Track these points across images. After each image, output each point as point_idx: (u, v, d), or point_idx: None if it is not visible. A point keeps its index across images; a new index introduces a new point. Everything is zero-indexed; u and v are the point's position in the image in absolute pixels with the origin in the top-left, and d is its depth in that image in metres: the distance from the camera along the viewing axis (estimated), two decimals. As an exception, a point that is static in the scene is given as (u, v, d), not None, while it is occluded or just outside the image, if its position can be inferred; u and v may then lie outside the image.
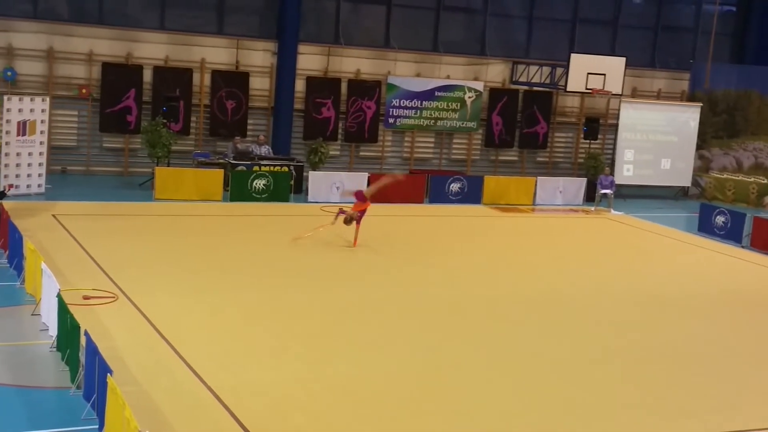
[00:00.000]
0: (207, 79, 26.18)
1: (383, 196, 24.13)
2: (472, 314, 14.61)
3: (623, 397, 11.45)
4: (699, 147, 29.78)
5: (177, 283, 14.93)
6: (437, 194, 25.21)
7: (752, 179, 29.64)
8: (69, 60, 24.82)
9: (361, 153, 28.40)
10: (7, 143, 21.04)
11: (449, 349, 12.77)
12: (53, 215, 19.17)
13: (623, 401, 11.33)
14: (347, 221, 18.29)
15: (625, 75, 27.92)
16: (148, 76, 25.45)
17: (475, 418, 10.47)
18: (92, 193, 22.47)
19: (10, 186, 19.88)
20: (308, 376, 11.27)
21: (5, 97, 21.06)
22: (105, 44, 25.06)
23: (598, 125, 29.15)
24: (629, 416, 10.87)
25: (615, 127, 29.65)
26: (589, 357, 12.95)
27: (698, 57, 31.39)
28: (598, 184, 26.23)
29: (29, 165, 21.57)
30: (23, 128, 21.41)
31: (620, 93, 28.17)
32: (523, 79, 29.04)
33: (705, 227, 23.56)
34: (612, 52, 29.95)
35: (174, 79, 25.56)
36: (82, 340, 10.27)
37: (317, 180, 23.91)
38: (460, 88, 28.91)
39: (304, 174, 24.64)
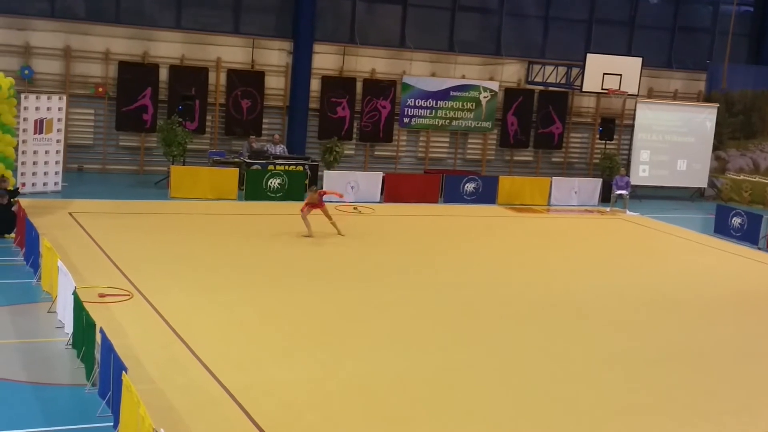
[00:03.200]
0: (223, 78, 26.26)
1: (398, 195, 24.28)
2: (484, 315, 14.59)
3: (636, 399, 11.41)
4: (715, 148, 29.64)
5: (192, 281, 14.98)
6: (452, 194, 25.19)
7: (769, 180, 29.50)
8: (86, 59, 24.94)
9: (376, 152, 28.41)
10: (24, 141, 21.15)
11: (461, 350, 12.77)
12: (69, 213, 19.27)
13: (636, 403, 11.29)
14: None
15: (641, 75, 27.82)
16: (164, 75, 25.55)
17: (487, 418, 10.46)
18: (108, 191, 22.57)
19: (23, 185, 20.02)
20: (321, 376, 11.29)
21: (22, 96, 21.17)
22: (121, 43, 25.18)
23: (613, 126, 29.06)
24: (642, 418, 10.83)
25: (631, 128, 29.56)
26: (602, 358, 12.91)
27: (715, 57, 31.25)
28: (614, 184, 26.15)
29: (46, 163, 21.69)
30: (40, 126, 21.53)
31: (636, 93, 28.08)
32: (538, 79, 28.99)
33: (721, 229, 23.44)
34: (628, 53, 29.85)
35: (190, 78, 25.65)
36: (98, 337, 10.34)
37: (332, 179, 23.92)
38: (476, 87, 28.88)
39: (319, 173, 24.66)
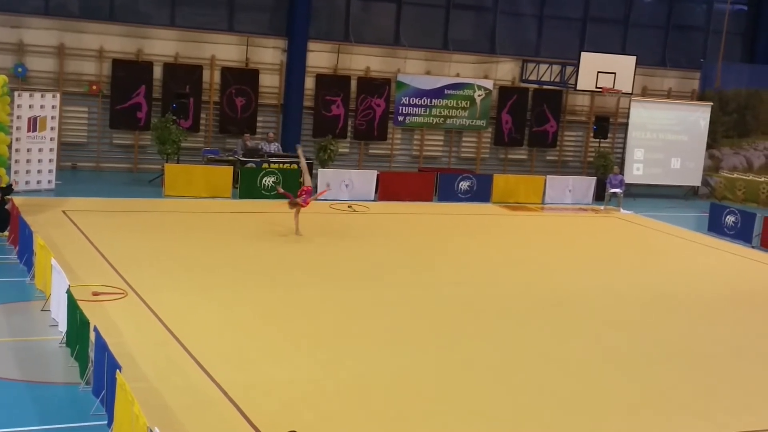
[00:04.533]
0: (217, 76, 26.21)
1: (393, 194, 24.27)
2: (482, 313, 14.59)
3: (632, 397, 11.42)
4: (709, 146, 29.68)
5: (186, 279, 14.96)
6: (446, 192, 25.18)
7: (763, 179, 29.52)
8: (80, 56, 24.87)
9: (371, 151, 28.39)
10: (17, 139, 21.09)
11: (460, 348, 12.76)
12: (63, 211, 19.22)
13: (632, 401, 11.30)
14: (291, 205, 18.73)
15: (635, 74, 27.83)
16: (158, 72, 25.49)
17: (486, 417, 10.46)
18: (102, 189, 22.53)
19: (16, 182, 19.95)
20: (319, 375, 11.27)
21: (16, 93, 21.10)
22: (115, 41, 25.12)
23: (608, 124, 29.08)
24: (639, 416, 10.84)
25: (625, 126, 29.57)
26: (599, 356, 12.93)
27: (709, 56, 31.29)
28: (608, 183, 26.17)
29: (39, 161, 21.63)
30: (34, 124, 21.47)
31: (630, 92, 28.09)
32: (533, 77, 28.99)
33: (715, 227, 23.48)
34: (622, 51, 29.87)
35: (184, 75, 25.60)
36: (92, 336, 10.30)
37: (326, 177, 23.91)
38: (470, 86, 28.87)
39: (314, 171, 24.62)
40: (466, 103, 28.89)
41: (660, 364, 12.77)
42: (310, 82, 27.03)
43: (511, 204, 25.41)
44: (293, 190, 22.60)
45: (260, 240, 18.38)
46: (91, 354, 10.22)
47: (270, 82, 26.87)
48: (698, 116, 29.36)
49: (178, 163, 23.70)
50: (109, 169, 25.40)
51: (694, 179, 29.59)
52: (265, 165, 23.61)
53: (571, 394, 11.35)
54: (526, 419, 10.52)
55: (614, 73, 27.29)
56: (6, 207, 16.81)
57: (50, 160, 21.89)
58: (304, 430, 9.59)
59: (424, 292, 15.48)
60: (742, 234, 22.61)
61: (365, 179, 24.45)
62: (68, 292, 11.37)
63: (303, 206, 18.67)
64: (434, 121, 28.74)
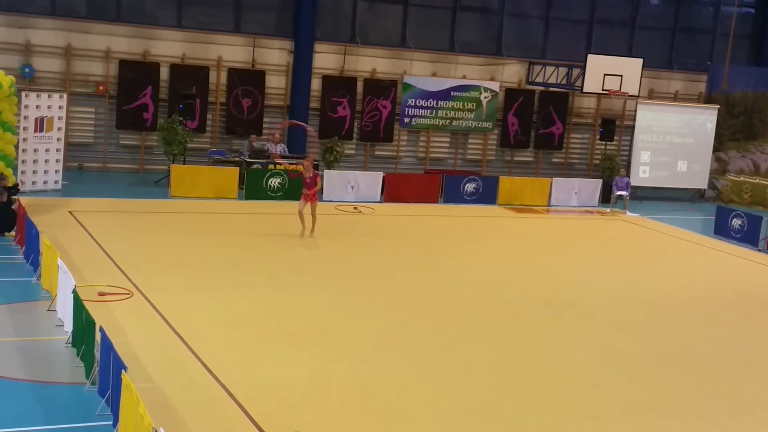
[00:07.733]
0: (223, 78, 26.25)
1: (398, 195, 24.27)
2: (485, 314, 14.60)
3: (634, 399, 11.42)
4: (716, 149, 29.63)
5: (192, 280, 14.98)
6: (452, 194, 25.18)
7: (769, 182, 29.49)
8: (86, 57, 24.94)
9: (377, 152, 28.40)
10: (24, 139, 21.14)
11: (462, 349, 12.77)
12: (70, 211, 19.27)
13: (634, 402, 11.29)
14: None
15: (642, 76, 27.80)
16: (164, 73, 25.54)
17: (487, 418, 10.46)
18: (108, 189, 22.58)
19: (22, 182, 20.01)
20: (321, 374, 11.29)
21: (23, 94, 21.16)
22: (122, 41, 25.17)
23: (614, 126, 29.06)
24: (640, 417, 10.83)
25: (631, 129, 29.55)
26: (601, 358, 12.92)
27: (716, 58, 31.23)
28: (614, 185, 26.14)
29: (46, 161, 21.69)
30: (41, 125, 21.52)
31: (637, 94, 28.06)
32: (539, 79, 28.98)
33: (721, 230, 23.44)
34: (629, 53, 29.85)
35: (190, 76, 25.64)
36: (97, 336, 10.33)
37: (332, 179, 23.93)
38: (476, 88, 28.87)
39: (319, 173, 24.60)
40: (473, 105, 28.89)
41: (662, 365, 12.76)
42: (316, 84, 27.05)
43: (517, 206, 25.40)
44: (298, 193, 22.68)
45: (265, 241, 18.40)
46: (97, 354, 10.24)
47: (276, 83, 26.90)
48: (705, 119, 29.32)
49: (184, 163, 23.74)
50: (115, 170, 25.45)
51: (701, 182, 29.54)
52: (271, 166, 23.64)
53: (572, 395, 11.35)
54: (526, 419, 10.52)
55: (621, 76, 27.27)
56: (12, 207, 16.85)
57: (57, 161, 21.94)
58: (305, 429, 9.61)
59: (428, 293, 15.48)
60: (748, 237, 22.57)
61: (371, 181, 24.46)
62: (74, 292, 11.39)
63: (309, 193, 18.66)
64: (440, 123, 28.74)
